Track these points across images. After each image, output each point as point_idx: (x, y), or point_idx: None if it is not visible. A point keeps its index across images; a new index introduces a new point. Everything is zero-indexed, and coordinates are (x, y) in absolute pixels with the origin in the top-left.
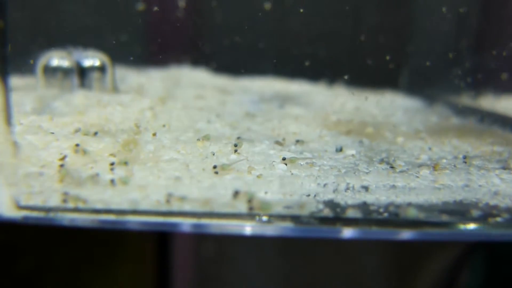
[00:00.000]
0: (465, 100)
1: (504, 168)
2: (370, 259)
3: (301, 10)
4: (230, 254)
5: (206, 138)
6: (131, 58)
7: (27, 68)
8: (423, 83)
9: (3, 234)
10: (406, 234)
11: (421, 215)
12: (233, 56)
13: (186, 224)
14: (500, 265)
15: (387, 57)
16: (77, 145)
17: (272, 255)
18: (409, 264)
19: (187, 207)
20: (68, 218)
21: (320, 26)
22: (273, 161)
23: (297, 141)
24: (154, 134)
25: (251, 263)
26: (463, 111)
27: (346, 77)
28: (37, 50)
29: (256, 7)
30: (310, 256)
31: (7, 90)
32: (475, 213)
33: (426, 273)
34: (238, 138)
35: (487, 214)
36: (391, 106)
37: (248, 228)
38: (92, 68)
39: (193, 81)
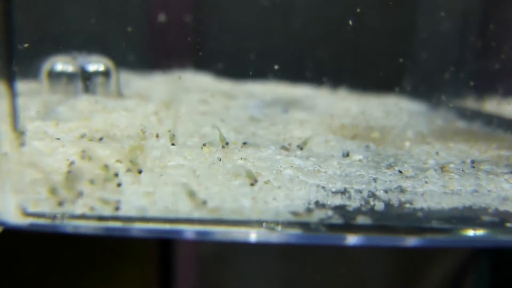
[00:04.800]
0: (470, 103)
1: None
2: (373, 263)
3: (305, 14)
4: (232, 257)
5: (212, 143)
6: (135, 63)
7: (31, 73)
8: (428, 86)
9: (6, 237)
10: (415, 241)
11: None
12: (236, 60)
13: (194, 231)
14: (506, 270)
15: (391, 61)
16: (83, 151)
17: (274, 258)
18: (413, 268)
19: (195, 214)
20: (74, 225)
21: (324, 30)
22: (280, 167)
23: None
24: (157, 136)
25: (254, 266)
26: (469, 115)
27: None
28: (42, 55)
29: (260, 11)
30: (312, 260)
31: (14, 95)
32: (484, 219)
33: (431, 278)
34: (244, 143)
35: (497, 220)
36: (396, 110)
37: (255, 235)
38: (97, 73)
39: (196, 86)
